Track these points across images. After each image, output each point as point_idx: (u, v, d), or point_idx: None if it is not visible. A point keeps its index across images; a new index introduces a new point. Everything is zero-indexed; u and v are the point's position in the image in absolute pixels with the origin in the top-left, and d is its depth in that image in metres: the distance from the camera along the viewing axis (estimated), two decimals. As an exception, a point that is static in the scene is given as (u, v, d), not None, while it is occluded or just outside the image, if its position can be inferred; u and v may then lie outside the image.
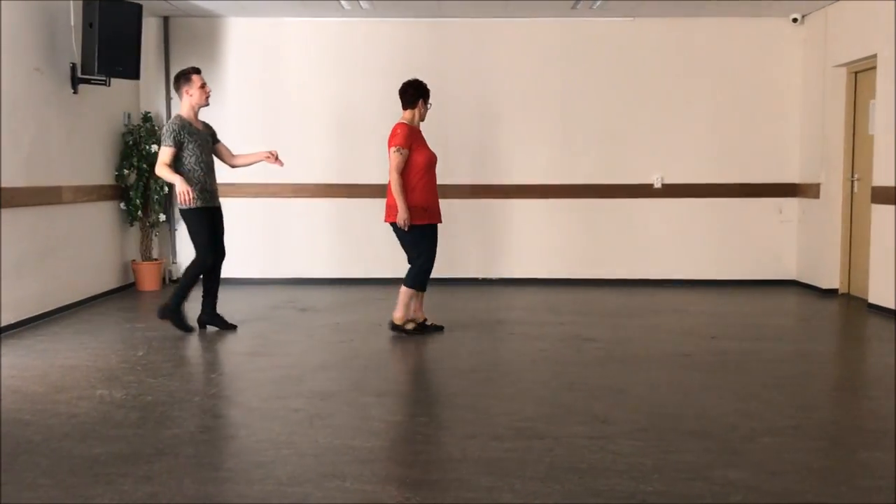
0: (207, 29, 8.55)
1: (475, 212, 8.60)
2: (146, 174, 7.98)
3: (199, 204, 5.87)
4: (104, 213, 7.74)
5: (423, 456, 3.62)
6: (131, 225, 8.13)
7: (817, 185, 8.14)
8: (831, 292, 8.01)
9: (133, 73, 7.36)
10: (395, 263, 8.29)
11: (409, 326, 6.03)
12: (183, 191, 5.71)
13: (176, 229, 8.65)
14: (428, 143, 6.08)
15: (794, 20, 8.37)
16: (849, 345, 6.48)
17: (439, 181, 6.16)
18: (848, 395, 4.87)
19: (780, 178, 8.62)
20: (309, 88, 8.59)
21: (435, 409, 4.50)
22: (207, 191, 5.96)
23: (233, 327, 6.19)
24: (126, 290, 8.08)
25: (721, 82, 8.57)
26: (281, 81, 8.59)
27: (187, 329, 6.05)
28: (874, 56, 7.17)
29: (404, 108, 6.00)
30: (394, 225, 5.92)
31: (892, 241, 6.80)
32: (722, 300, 7.83)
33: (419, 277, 5.95)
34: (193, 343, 5.88)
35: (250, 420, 4.19)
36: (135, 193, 7.94)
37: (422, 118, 6.02)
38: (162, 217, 8.27)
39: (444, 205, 6.25)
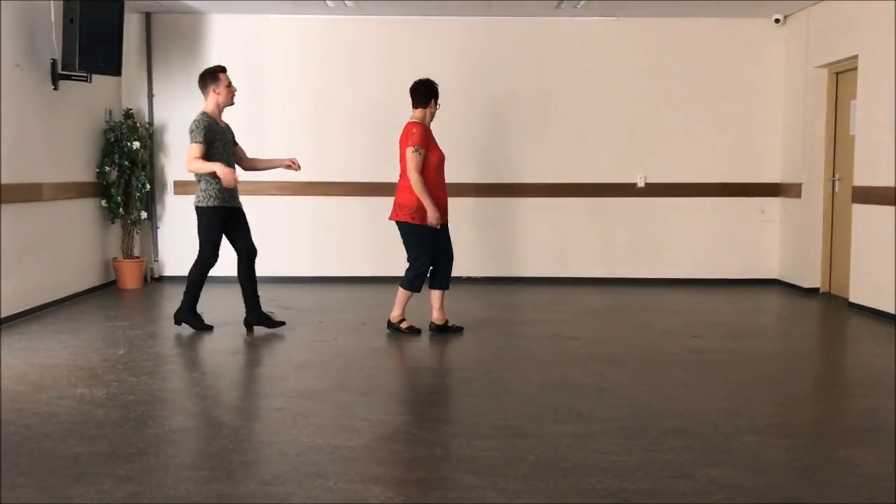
0: (190, 25, 8.49)
1: (460, 211, 8.58)
2: (128, 171, 7.93)
3: (216, 203, 5.83)
4: (85, 211, 7.67)
5: (407, 455, 3.61)
6: (112, 222, 8.08)
7: (799, 185, 8.20)
8: (813, 291, 8.07)
9: (114, 69, 7.31)
10: (380, 262, 8.34)
11: (404, 326, 6.00)
12: (226, 171, 5.65)
13: (158, 227, 8.60)
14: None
15: (777, 21, 8.41)
16: (830, 344, 6.53)
17: None
18: (829, 394, 4.92)
19: (762, 178, 8.67)
20: (292, 86, 8.55)
21: (419, 407, 4.49)
22: (227, 190, 5.88)
23: (209, 328, 6.07)
24: (107, 288, 8.02)
25: (703, 82, 8.60)
26: (264, 79, 8.54)
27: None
28: (855, 57, 7.22)
29: (415, 106, 5.94)
30: (399, 223, 5.89)
31: (872, 240, 6.86)
32: (705, 299, 7.87)
33: (416, 280, 5.91)
34: (175, 342, 5.84)
35: (233, 419, 4.17)
36: (116, 191, 7.88)
37: (431, 117, 5.98)
38: (143, 214, 8.21)
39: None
